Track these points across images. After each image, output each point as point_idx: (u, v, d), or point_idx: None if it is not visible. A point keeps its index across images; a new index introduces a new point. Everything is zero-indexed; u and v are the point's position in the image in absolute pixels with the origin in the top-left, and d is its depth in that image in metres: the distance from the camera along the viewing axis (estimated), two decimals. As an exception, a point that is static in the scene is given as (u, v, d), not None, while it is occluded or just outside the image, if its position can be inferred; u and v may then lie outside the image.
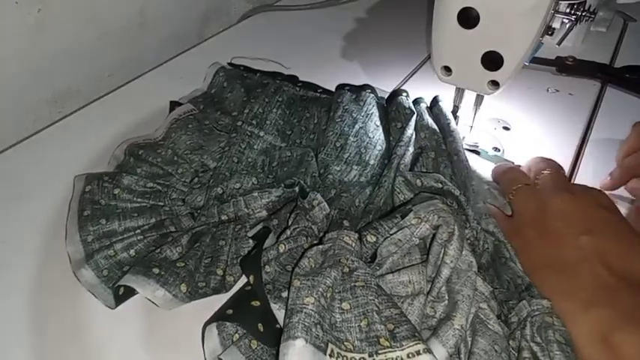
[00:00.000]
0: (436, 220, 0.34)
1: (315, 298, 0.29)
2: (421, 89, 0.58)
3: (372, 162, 0.44)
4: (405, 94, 0.50)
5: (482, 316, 0.32)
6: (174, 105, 0.52)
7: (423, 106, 0.49)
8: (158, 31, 0.68)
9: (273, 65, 0.62)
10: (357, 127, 0.47)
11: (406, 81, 0.61)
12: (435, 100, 0.50)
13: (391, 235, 0.34)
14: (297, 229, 0.36)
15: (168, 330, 0.34)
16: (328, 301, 0.30)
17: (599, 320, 0.30)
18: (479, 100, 0.47)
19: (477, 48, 0.40)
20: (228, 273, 0.36)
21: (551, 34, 0.44)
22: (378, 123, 0.48)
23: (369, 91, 0.51)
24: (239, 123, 0.48)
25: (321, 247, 0.34)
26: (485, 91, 0.43)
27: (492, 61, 0.40)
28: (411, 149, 0.44)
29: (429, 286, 0.33)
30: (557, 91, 0.59)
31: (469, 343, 0.31)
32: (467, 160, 0.43)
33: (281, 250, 0.34)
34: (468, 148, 0.49)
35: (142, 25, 0.65)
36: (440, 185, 0.39)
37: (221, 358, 0.30)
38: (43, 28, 0.53)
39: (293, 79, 0.57)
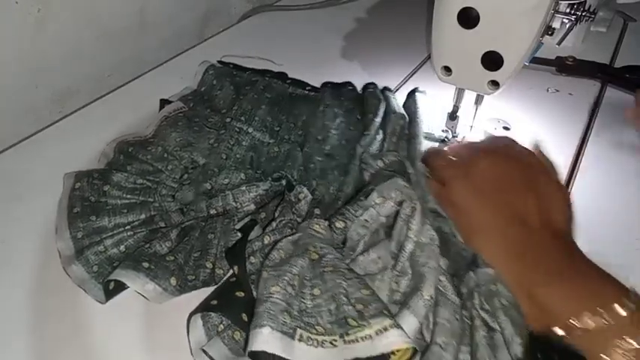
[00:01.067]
0: (400, 196, 0.35)
1: (280, 287, 0.30)
2: (421, 89, 0.58)
3: (352, 153, 0.45)
4: (372, 86, 0.53)
5: (441, 288, 0.33)
6: (164, 103, 0.53)
7: (390, 94, 0.52)
8: (158, 31, 0.68)
9: (264, 63, 0.62)
10: (337, 120, 0.48)
11: (406, 81, 0.61)
12: (413, 91, 0.53)
13: (358, 217, 0.36)
14: (283, 222, 0.37)
15: (168, 330, 0.34)
16: (297, 289, 0.31)
17: (524, 277, 0.32)
18: (479, 100, 0.47)
19: (477, 48, 0.40)
20: (217, 266, 0.36)
21: (551, 34, 0.44)
22: (360, 117, 0.50)
23: (350, 88, 0.53)
24: (228, 120, 0.49)
25: (290, 237, 0.35)
26: (485, 91, 0.43)
27: (492, 61, 0.40)
28: (379, 137, 0.46)
29: (394, 261, 0.34)
30: (557, 91, 0.59)
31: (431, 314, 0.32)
32: (421, 144, 0.45)
33: (266, 242, 0.35)
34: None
35: (142, 25, 0.65)
36: (399, 159, 0.41)
37: (205, 349, 0.30)
38: (43, 28, 0.53)
39: (282, 77, 0.57)
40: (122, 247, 0.38)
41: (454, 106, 0.48)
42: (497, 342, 0.30)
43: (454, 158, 0.41)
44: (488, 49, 0.39)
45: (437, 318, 0.31)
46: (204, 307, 0.32)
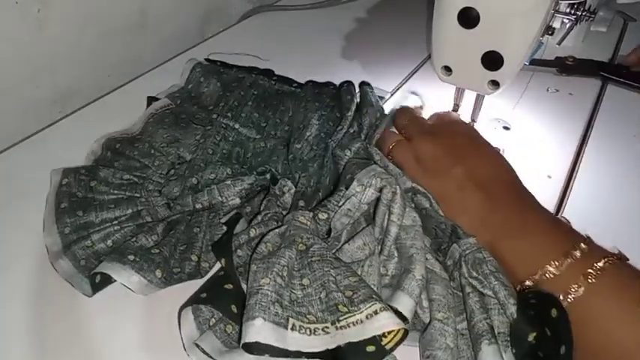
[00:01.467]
0: (379, 182, 0.36)
1: (270, 278, 0.30)
2: (421, 89, 0.58)
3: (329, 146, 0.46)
4: (346, 84, 0.54)
5: (429, 267, 0.34)
6: (151, 100, 0.53)
7: (368, 88, 0.53)
8: (158, 31, 0.68)
9: (251, 59, 0.62)
10: (317, 114, 0.50)
11: (406, 81, 0.61)
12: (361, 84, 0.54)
13: (341, 207, 0.36)
14: (269, 215, 0.38)
15: (169, 331, 0.34)
16: (286, 280, 0.31)
17: (484, 236, 0.35)
18: (479, 99, 0.47)
19: (477, 48, 0.40)
20: (203, 259, 0.36)
21: (551, 34, 0.44)
22: (338, 114, 0.51)
23: (332, 87, 0.55)
24: (214, 116, 0.50)
25: (277, 230, 0.35)
26: (485, 91, 0.43)
27: (492, 61, 0.40)
28: (352, 130, 0.47)
29: (380, 247, 0.35)
30: (557, 91, 0.59)
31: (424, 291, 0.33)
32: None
33: (252, 235, 0.35)
34: None
35: (142, 25, 0.65)
36: (365, 145, 0.42)
37: (197, 343, 0.31)
38: (43, 28, 0.53)
39: (268, 73, 0.58)
40: (109, 242, 0.38)
41: (454, 104, 0.48)
42: (490, 305, 0.31)
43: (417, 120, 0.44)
44: (488, 49, 0.39)
45: (432, 294, 0.32)
46: (193, 301, 0.33)
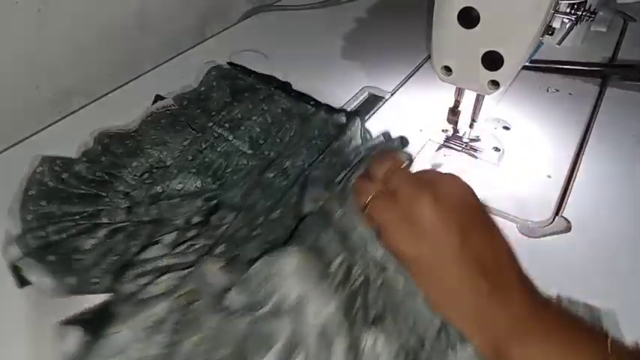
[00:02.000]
0: (272, 286, 0.31)
1: (127, 325, 0.29)
2: (421, 89, 0.58)
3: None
4: (354, 116, 0.49)
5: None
6: (158, 99, 0.53)
7: (357, 122, 0.48)
8: (158, 31, 0.68)
9: (251, 55, 0.62)
10: (313, 142, 0.46)
11: (406, 81, 0.61)
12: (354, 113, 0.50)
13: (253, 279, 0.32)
14: (195, 247, 0.36)
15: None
16: (146, 332, 0.29)
17: (485, 335, 0.29)
18: (479, 99, 0.47)
19: (477, 48, 0.40)
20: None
21: (551, 34, 0.44)
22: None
23: (342, 114, 0.50)
24: (210, 124, 0.48)
25: (181, 272, 0.33)
26: (485, 91, 0.43)
27: (492, 61, 0.40)
28: (327, 160, 0.44)
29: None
30: (557, 91, 0.59)
31: None
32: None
33: (160, 265, 0.34)
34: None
35: (142, 25, 0.65)
36: (333, 198, 0.37)
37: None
38: (43, 28, 0.53)
39: (286, 87, 0.56)
40: (64, 235, 0.38)
41: (455, 100, 0.48)
42: None
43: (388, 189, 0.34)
44: (488, 49, 0.39)
45: None
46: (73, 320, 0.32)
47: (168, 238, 0.37)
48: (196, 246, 0.36)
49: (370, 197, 0.34)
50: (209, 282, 0.32)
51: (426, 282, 0.31)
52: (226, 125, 0.49)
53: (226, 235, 0.37)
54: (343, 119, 0.49)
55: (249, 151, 0.47)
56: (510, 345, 0.28)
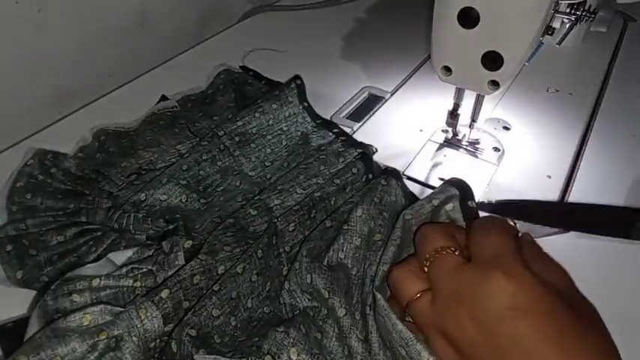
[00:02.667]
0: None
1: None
2: (421, 89, 0.58)
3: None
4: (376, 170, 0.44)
5: None
6: (163, 98, 0.53)
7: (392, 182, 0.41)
8: (158, 30, 0.68)
9: (252, 55, 0.62)
10: (309, 182, 0.41)
11: (406, 81, 0.61)
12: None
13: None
14: (137, 271, 0.33)
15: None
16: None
17: None
18: (479, 99, 0.47)
19: (476, 48, 0.40)
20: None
21: (551, 34, 0.44)
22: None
23: (358, 155, 0.44)
24: (221, 133, 0.45)
25: (108, 306, 0.30)
26: (485, 91, 0.43)
27: (492, 61, 0.40)
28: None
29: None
30: (557, 91, 0.59)
31: None
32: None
33: (94, 285, 0.31)
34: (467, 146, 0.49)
35: (142, 24, 0.65)
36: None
37: None
38: (43, 28, 0.53)
39: (312, 114, 0.50)
40: (42, 230, 0.38)
41: (455, 103, 0.48)
42: None
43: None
44: (488, 49, 0.39)
45: None
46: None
47: (122, 256, 0.34)
48: (139, 271, 0.33)
49: (437, 251, 0.29)
50: (145, 327, 0.29)
51: None
52: (236, 139, 0.45)
53: (177, 280, 0.31)
54: (360, 165, 0.43)
55: (251, 173, 0.44)
56: None
